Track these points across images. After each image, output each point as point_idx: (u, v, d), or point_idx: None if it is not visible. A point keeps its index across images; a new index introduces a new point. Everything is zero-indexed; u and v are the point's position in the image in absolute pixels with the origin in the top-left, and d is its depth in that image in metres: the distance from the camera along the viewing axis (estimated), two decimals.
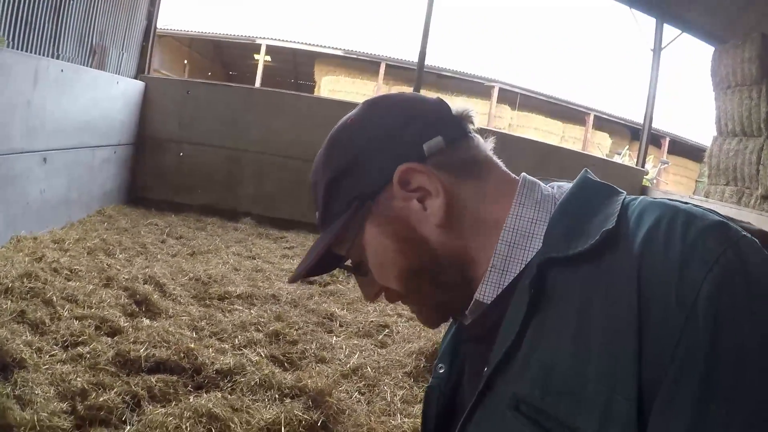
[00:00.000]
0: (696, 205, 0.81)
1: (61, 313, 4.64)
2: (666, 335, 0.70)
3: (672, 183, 25.07)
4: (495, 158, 1.05)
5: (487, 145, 1.05)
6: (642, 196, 0.89)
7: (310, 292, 6.50)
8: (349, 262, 1.11)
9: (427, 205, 0.96)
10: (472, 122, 1.04)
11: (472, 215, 0.97)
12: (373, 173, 0.98)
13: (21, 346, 3.92)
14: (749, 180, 11.74)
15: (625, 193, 0.93)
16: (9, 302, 4.60)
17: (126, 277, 5.82)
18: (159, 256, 7.13)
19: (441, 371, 1.11)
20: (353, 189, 1.00)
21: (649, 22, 13.86)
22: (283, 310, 5.72)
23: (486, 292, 0.95)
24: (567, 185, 1.00)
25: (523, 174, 1.02)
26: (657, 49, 13.61)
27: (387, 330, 5.67)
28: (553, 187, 1.01)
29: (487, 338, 0.91)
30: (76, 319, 4.60)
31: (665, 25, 13.70)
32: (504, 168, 1.05)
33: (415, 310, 1.09)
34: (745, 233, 0.76)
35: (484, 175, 1.01)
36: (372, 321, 5.82)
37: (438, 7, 13.40)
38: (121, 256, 6.77)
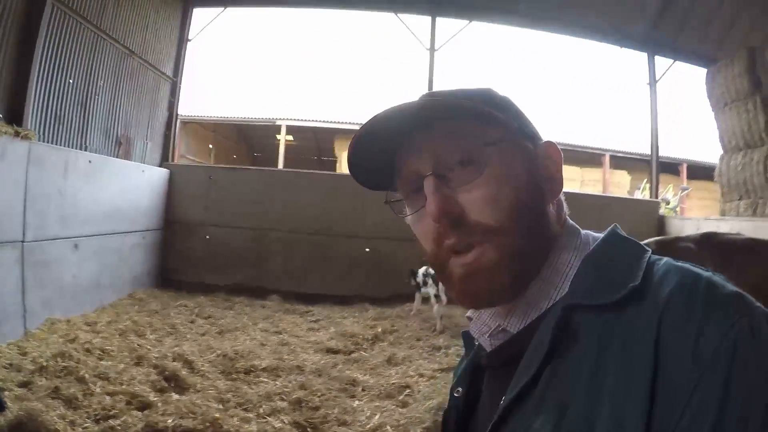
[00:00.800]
0: (716, 274, 0.85)
1: (93, 390, 4.87)
2: (679, 389, 0.73)
3: (697, 207, 24.52)
4: None
5: None
6: (666, 258, 0.91)
7: (333, 361, 6.65)
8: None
9: (551, 181, 1.03)
10: None
11: (559, 219, 1.05)
12: (527, 128, 1.05)
13: (55, 418, 4.15)
14: (761, 190, 11.78)
15: (650, 250, 0.94)
16: (44, 379, 4.87)
17: (156, 355, 6.05)
18: (188, 336, 7.35)
19: (457, 395, 1.12)
20: (515, 121, 1.03)
21: (641, 56, 14.36)
22: (307, 380, 5.85)
23: (512, 321, 0.98)
24: (599, 235, 1.02)
25: (569, 219, 1.07)
26: (652, 82, 14.09)
27: (408, 390, 5.78)
28: (588, 236, 1.04)
29: (506, 368, 0.94)
30: (107, 395, 4.83)
31: (657, 57, 14.18)
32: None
33: (495, 255, 0.95)
34: (758, 304, 0.79)
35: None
36: (394, 383, 5.94)
37: (441, 74, 13.91)
38: (151, 336, 7.01)
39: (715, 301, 0.78)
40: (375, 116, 0.98)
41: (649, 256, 0.91)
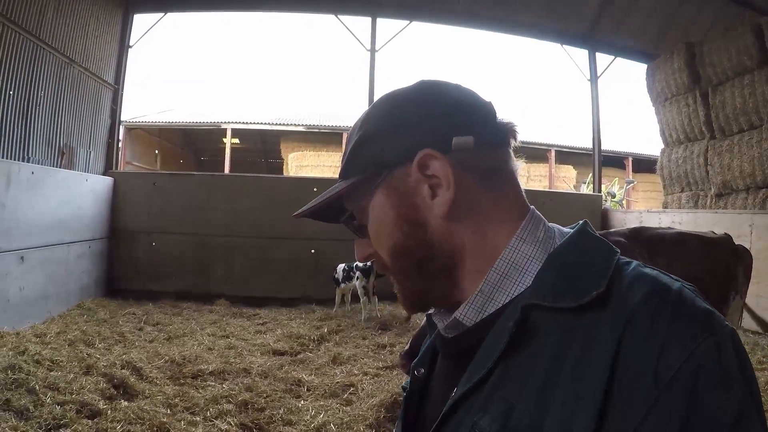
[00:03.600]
0: (687, 286, 0.84)
1: (44, 400, 4.99)
2: (634, 406, 0.73)
3: (642, 200, 25.24)
4: (518, 179, 1.05)
5: (517, 165, 1.05)
6: (636, 262, 0.90)
7: (280, 363, 6.86)
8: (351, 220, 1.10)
9: (437, 194, 0.97)
10: (514, 136, 1.05)
11: (478, 222, 0.98)
12: (399, 147, 0.99)
13: (7, 430, 4.29)
14: (701, 182, 12.33)
15: (618, 252, 0.92)
16: None
17: (105, 364, 6.16)
18: (137, 343, 7.47)
19: (418, 374, 1.12)
20: (376, 155, 1.01)
21: (582, 53, 14.78)
22: (253, 382, 6.05)
23: (468, 314, 0.96)
24: (567, 231, 1.01)
25: (533, 208, 1.03)
26: (593, 78, 14.59)
27: (352, 388, 6.03)
28: (554, 230, 1.01)
29: (461, 359, 0.94)
30: (58, 405, 4.95)
31: (598, 54, 14.65)
32: (522, 192, 1.05)
33: (398, 289, 1.07)
34: (727, 323, 0.79)
35: (503, 189, 1.01)
36: (338, 382, 6.19)
37: (382, 71, 14.18)
38: (100, 345, 7.11)
39: (683, 317, 0.77)
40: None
41: (618, 259, 0.90)
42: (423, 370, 1.12)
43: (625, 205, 21.59)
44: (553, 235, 0.99)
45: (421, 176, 0.97)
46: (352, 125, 1.09)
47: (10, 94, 8.39)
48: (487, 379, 0.85)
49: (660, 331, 0.76)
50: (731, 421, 0.71)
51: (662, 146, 13.68)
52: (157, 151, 25.98)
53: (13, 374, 5.36)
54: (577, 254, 0.92)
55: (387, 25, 14.01)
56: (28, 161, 8.77)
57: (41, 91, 9.23)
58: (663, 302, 0.79)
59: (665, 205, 13.48)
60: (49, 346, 6.61)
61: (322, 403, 5.64)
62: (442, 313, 1.04)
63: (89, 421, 4.83)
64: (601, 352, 0.77)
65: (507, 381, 0.83)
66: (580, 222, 1.00)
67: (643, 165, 23.65)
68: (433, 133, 0.97)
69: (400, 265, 1.01)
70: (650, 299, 0.79)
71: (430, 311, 1.09)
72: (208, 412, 5.22)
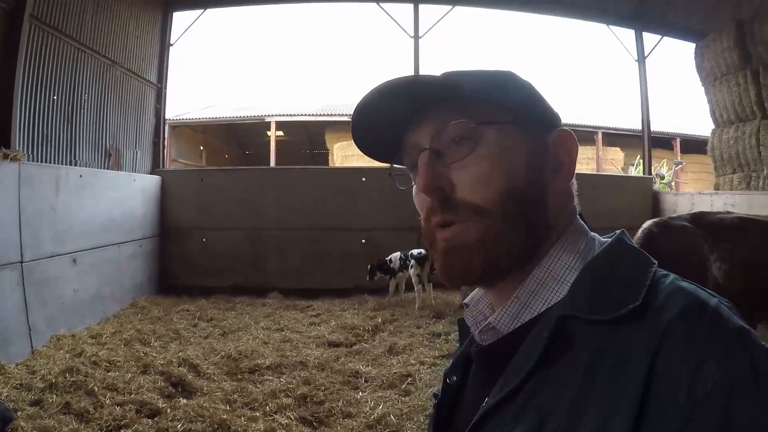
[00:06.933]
0: (724, 302, 0.82)
1: (103, 401, 5.02)
2: (668, 422, 0.71)
3: (692, 181, 24.48)
4: None
5: None
6: (673, 275, 0.87)
7: (336, 354, 6.80)
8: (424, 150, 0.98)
9: (562, 170, 0.99)
10: None
11: (559, 218, 0.98)
12: (547, 110, 1.01)
13: None
14: (753, 163, 11.92)
15: (656, 264, 0.89)
16: (54, 396, 5.01)
17: (162, 362, 6.17)
18: (192, 340, 7.49)
19: (450, 382, 1.09)
20: (525, 102, 0.99)
21: (629, 34, 14.36)
22: (310, 375, 6.01)
23: (502, 319, 0.94)
24: (605, 240, 0.98)
25: (578, 218, 1.02)
26: (641, 58, 14.18)
27: (410, 378, 5.94)
28: (595, 240, 0.99)
29: (494, 367, 0.92)
30: (117, 406, 4.98)
31: (645, 33, 14.23)
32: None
33: (452, 243, 0.95)
34: (762, 342, 0.77)
35: (572, 192, 1.03)
36: (395, 372, 6.10)
37: (427, 61, 13.93)
38: (156, 343, 7.14)
39: (718, 334, 0.76)
40: (380, 87, 0.96)
41: (655, 271, 0.87)
42: (455, 378, 1.09)
43: (674, 187, 21.10)
44: (593, 246, 0.98)
45: (555, 148, 0.99)
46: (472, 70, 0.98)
47: (54, 99, 8.45)
48: (520, 389, 0.84)
49: (696, 347, 0.74)
50: None
51: (713, 127, 13.23)
52: (202, 147, 26.19)
53: (72, 377, 5.40)
54: (614, 265, 0.90)
55: (430, 11, 13.74)
56: (75, 165, 8.85)
57: (85, 94, 9.29)
58: (700, 318, 0.77)
59: (717, 187, 13.02)
60: (106, 347, 6.66)
61: (380, 394, 5.56)
62: (476, 316, 1.04)
63: (149, 420, 4.84)
64: (635, 365, 0.76)
65: (540, 392, 0.82)
66: (617, 231, 0.99)
67: (692, 146, 23.11)
68: (555, 119, 1.02)
69: (506, 202, 0.93)
70: (687, 314, 0.78)
71: (465, 315, 1.08)
72: (268, 407, 5.19)
